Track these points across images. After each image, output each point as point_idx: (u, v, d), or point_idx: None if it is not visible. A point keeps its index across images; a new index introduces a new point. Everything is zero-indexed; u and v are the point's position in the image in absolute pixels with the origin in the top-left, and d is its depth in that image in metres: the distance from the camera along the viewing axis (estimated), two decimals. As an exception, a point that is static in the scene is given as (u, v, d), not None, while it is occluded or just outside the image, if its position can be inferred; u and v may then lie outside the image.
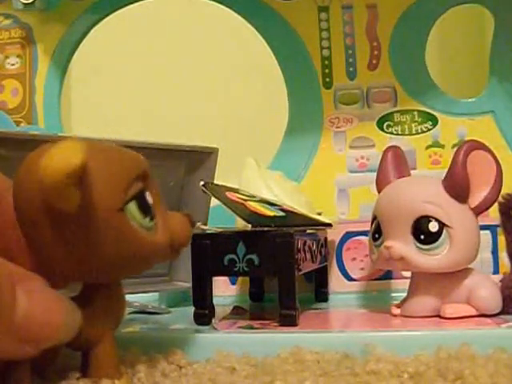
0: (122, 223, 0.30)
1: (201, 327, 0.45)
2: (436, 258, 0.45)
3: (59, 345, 0.30)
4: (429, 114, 0.60)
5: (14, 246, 0.30)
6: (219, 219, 0.51)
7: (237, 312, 0.51)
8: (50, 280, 0.29)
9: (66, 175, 0.27)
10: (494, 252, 0.57)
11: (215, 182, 0.50)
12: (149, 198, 0.33)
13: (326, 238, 0.55)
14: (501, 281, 0.48)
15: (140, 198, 0.32)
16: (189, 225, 0.35)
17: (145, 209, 0.32)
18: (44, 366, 0.32)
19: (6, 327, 0.25)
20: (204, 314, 0.45)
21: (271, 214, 0.47)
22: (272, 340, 0.40)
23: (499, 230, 0.54)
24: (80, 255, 0.30)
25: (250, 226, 0.52)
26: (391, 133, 0.60)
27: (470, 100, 0.60)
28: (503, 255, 0.54)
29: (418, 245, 0.45)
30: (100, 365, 0.33)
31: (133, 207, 0.31)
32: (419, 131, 0.60)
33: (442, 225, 0.45)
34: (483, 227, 0.51)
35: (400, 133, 0.60)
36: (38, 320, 0.26)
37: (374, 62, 0.60)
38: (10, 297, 0.25)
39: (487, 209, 0.46)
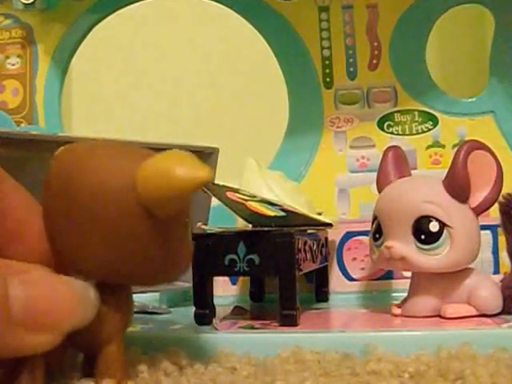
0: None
1: (201, 327, 0.45)
2: (436, 257, 0.45)
3: (65, 345, 0.29)
4: (429, 113, 0.60)
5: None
6: (219, 219, 0.51)
7: (237, 312, 0.51)
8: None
9: (196, 186, 0.28)
10: (495, 252, 0.57)
11: (215, 181, 0.50)
12: None
13: (326, 238, 0.55)
14: (501, 281, 0.48)
15: None
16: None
17: None
18: (50, 366, 0.31)
19: (5, 320, 0.25)
20: (204, 314, 0.45)
21: (272, 213, 0.47)
22: (272, 340, 0.40)
23: (500, 229, 0.54)
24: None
25: (250, 225, 0.52)
26: (392, 133, 0.60)
27: (470, 100, 0.60)
28: (504, 255, 0.54)
29: (419, 245, 0.45)
30: (107, 368, 0.32)
31: None
32: (420, 131, 0.60)
33: (442, 225, 0.45)
34: (484, 227, 0.51)
35: (400, 133, 0.60)
36: (40, 309, 0.26)
37: (375, 61, 0.60)
38: (0, 293, 0.25)
39: (488, 209, 0.46)
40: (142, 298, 0.53)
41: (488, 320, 0.44)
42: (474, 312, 0.45)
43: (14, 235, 0.30)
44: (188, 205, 0.31)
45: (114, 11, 0.63)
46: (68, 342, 0.30)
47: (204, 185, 0.28)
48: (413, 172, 0.53)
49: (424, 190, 0.46)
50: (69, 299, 0.27)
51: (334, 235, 0.59)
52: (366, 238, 0.55)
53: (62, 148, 0.31)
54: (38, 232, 0.30)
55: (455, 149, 0.47)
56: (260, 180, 0.53)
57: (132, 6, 0.63)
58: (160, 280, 0.33)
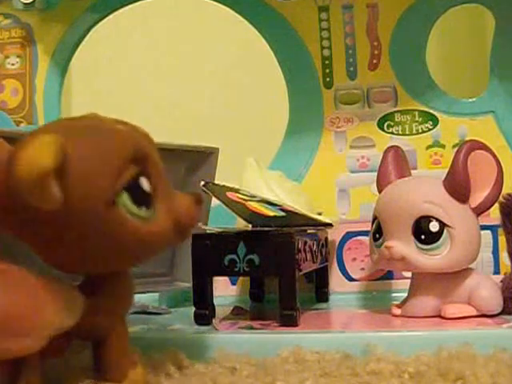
0: (114, 217, 0.28)
1: (201, 327, 0.44)
2: (437, 258, 0.45)
3: (67, 335, 0.29)
4: (429, 113, 0.60)
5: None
6: (220, 219, 0.51)
7: (237, 312, 0.51)
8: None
9: (38, 176, 0.25)
10: (495, 252, 0.57)
11: (216, 181, 0.50)
12: (145, 183, 0.30)
13: (326, 238, 0.55)
14: (501, 281, 0.48)
15: (133, 187, 0.29)
16: (194, 205, 0.32)
17: (139, 199, 0.29)
18: (53, 357, 0.31)
19: None
20: (204, 315, 0.45)
21: (272, 214, 0.47)
22: (272, 340, 0.40)
23: (500, 230, 0.54)
24: (73, 250, 0.29)
25: (250, 226, 0.52)
26: (392, 133, 0.60)
27: (470, 100, 0.60)
28: (504, 255, 0.54)
29: (419, 245, 0.45)
30: (112, 355, 0.32)
31: (125, 198, 0.29)
32: (420, 131, 0.60)
33: (442, 225, 0.45)
34: (484, 227, 0.51)
35: (400, 133, 0.60)
36: (18, 314, 0.25)
37: (375, 61, 0.60)
38: None
39: (488, 209, 0.46)
40: (142, 298, 0.53)
41: (488, 320, 0.44)
42: (474, 312, 0.45)
43: None
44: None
45: (114, 11, 0.63)
46: (71, 334, 0.30)
47: (49, 173, 0.25)
48: (413, 172, 0.53)
49: (424, 190, 0.46)
50: (50, 303, 0.27)
51: (334, 235, 0.58)
52: (366, 238, 0.55)
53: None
54: None
55: (455, 149, 0.47)
56: (260, 180, 0.53)
57: (131, 5, 0.63)
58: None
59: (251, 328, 0.44)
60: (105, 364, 0.32)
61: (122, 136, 0.30)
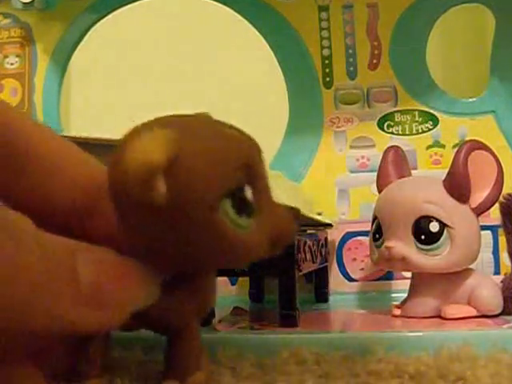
0: (215, 222, 0.27)
1: (201, 328, 0.44)
2: (437, 258, 0.45)
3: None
4: (429, 113, 0.60)
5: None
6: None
7: (237, 313, 0.51)
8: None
9: (149, 172, 0.25)
10: (495, 252, 0.57)
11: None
12: (249, 193, 0.28)
13: (326, 238, 0.55)
14: (502, 281, 0.48)
15: (237, 195, 0.28)
16: (293, 221, 0.32)
17: (241, 207, 0.28)
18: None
19: (73, 298, 0.25)
20: (204, 315, 0.45)
21: (271, 214, 0.47)
22: (272, 341, 0.40)
23: (500, 230, 0.54)
24: (167, 251, 0.28)
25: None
26: (392, 133, 0.60)
27: (470, 100, 0.60)
28: (504, 256, 0.54)
29: (419, 245, 0.45)
30: (180, 352, 0.32)
31: (227, 205, 0.27)
32: (420, 131, 0.60)
33: (442, 225, 0.45)
34: (484, 227, 0.51)
35: (401, 133, 0.60)
36: (106, 288, 0.26)
37: (375, 61, 0.60)
38: (69, 268, 0.25)
39: (488, 209, 0.46)
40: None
41: (488, 321, 0.44)
42: (474, 313, 0.45)
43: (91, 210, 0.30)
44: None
45: (113, 10, 0.63)
46: (142, 324, 0.30)
47: (159, 170, 0.25)
48: (413, 172, 0.53)
49: (424, 190, 0.46)
50: (133, 281, 0.27)
51: (334, 235, 0.58)
52: (365, 239, 0.55)
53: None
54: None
55: (455, 149, 0.47)
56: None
57: (130, 5, 0.63)
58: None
59: (251, 328, 0.44)
60: (170, 359, 0.32)
61: (236, 141, 0.29)
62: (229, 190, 0.27)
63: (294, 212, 0.32)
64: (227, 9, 0.63)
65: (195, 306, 0.32)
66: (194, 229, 0.27)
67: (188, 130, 0.27)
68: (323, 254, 0.54)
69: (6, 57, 0.64)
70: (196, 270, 0.31)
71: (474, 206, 0.46)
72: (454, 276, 0.46)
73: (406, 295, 0.48)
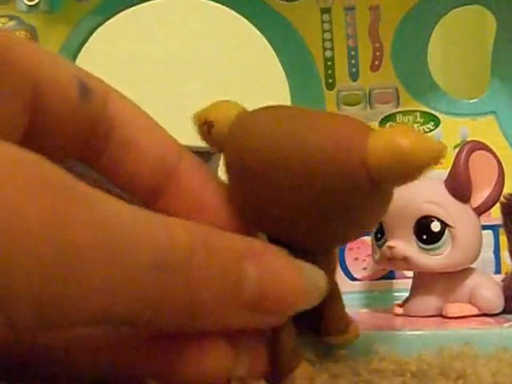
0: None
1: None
2: (438, 257, 0.45)
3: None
4: (431, 114, 0.60)
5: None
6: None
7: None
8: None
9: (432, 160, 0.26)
10: (496, 252, 0.57)
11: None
12: None
13: (328, 238, 0.55)
14: (503, 280, 0.48)
15: None
16: None
17: None
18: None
19: (236, 303, 0.25)
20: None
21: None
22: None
23: (501, 229, 0.55)
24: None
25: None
26: (393, 133, 0.60)
27: (471, 101, 0.60)
28: (505, 255, 0.54)
29: (421, 245, 0.45)
30: (336, 323, 0.33)
31: None
32: (421, 132, 0.60)
33: (444, 225, 0.45)
34: (485, 227, 0.51)
35: (402, 133, 0.60)
36: (270, 294, 0.26)
37: (377, 63, 0.61)
38: (236, 271, 0.25)
39: (489, 209, 0.47)
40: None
41: (490, 319, 0.45)
42: (475, 311, 0.45)
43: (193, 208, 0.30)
44: None
45: (117, 13, 0.63)
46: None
47: (440, 159, 0.26)
48: (414, 172, 0.53)
49: (425, 190, 0.46)
50: (298, 286, 0.27)
51: (336, 235, 0.59)
52: (367, 238, 0.55)
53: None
54: (220, 204, 0.30)
55: (457, 149, 0.47)
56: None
57: (135, 7, 0.63)
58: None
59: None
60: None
61: None
62: None
63: None
64: (229, 10, 0.63)
65: (332, 277, 0.31)
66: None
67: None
68: (326, 253, 0.54)
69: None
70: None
71: (475, 205, 0.46)
72: (456, 275, 0.46)
73: (407, 294, 0.48)
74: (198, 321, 0.25)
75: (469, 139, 0.57)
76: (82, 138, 0.30)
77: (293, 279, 0.27)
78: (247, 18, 0.63)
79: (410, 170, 0.26)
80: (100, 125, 0.30)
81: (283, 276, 0.26)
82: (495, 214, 0.50)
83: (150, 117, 0.33)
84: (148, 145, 0.31)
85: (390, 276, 0.58)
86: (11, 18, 0.64)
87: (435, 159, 0.26)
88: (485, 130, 0.59)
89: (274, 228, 0.29)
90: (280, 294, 0.26)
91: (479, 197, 0.46)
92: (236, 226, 0.30)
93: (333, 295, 0.32)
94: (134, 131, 0.31)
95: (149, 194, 0.31)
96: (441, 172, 0.53)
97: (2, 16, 0.64)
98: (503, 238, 0.54)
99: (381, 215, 0.30)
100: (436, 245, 0.45)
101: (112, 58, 0.91)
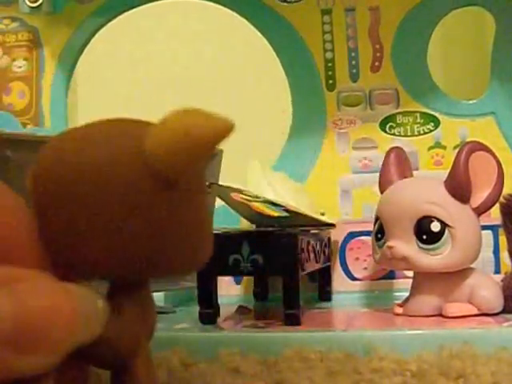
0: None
1: (206, 326, 0.45)
2: (438, 257, 0.46)
3: (85, 363, 0.26)
4: (431, 115, 0.60)
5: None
6: (224, 219, 0.52)
7: (241, 311, 0.52)
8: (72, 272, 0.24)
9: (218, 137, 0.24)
10: (496, 252, 0.57)
11: (220, 183, 0.51)
12: None
13: (329, 238, 0.56)
14: (502, 280, 0.48)
15: None
16: None
17: None
18: None
19: None
20: (209, 314, 0.46)
21: (275, 214, 0.47)
22: (276, 339, 0.41)
23: (500, 229, 0.55)
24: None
25: (254, 226, 0.52)
26: (394, 134, 0.60)
27: (471, 101, 0.60)
28: (504, 255, 0.54)
29: (421, 245, 0.46)
30: None
31: None
32: (421, 132, 0.60)
33: (444, 225, 0.45)
34: (485, 227, 0.51)
35: (402, 134, 0.60)
36: (32, 326, 0.21)
37: (377, 64, 0.61)
38: None
39: (489, 209, 0.47)
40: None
41: (489, 319, 0.45)
42: (475, 311, 0.46)
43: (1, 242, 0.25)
44: (203, 171, 0.27)
45: (119, 15, 0.64)
46: (86, 360, 0.25)
47: (224, 136, 0.23)
48: (415, 173, 0.53)
49: (426, 191, 0.47)
50: (68, 313, 0.22)
51: (337, 235, 0.59)
52: (368, 238, 0.55)
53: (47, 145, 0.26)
54: (28, 235, 0.25)
55: (456, 150, 0.47)
56: (264, 181, 0.53)
57: (136, 9, 0.64)
58: (179, 268, 0.27)
59: (255, 327, 0.45)
60: None
61: None
62: None
63: None
64: (230, 11, 0.63)
65: (143, 327, 0.27)
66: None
67: None
68: (326, 253, 0.54)
69: (13, 60, 0.64)
70: (133, 272, 0.26)
71: (474, 206, 0.46)
72: (455, 275, 0.46)
73: (408, 294, 0.49)
74: None
75: (468, 140, 0.57)
76: None
77: (60, 306, 0.22)
78: (248, 20, 0.63)
79: (187, 148, 0.24)
80: None
81: (49, 304, 0.22)
82: (495, 215, 0.50)
83: None
84: None
85: (390, 276, 0.58)
86: (14, 19, 0.65)
87: (215, 136, 0.24)
88: (484, 130, 0.59)
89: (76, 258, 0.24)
90: (45, 325, 0.21)
91: (479, 197, 0.46)
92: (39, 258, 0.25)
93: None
94: None
95: None
96: (441, 172, 0.53)
97: (5, 17, 0.65)
98: (503, 238, 0.54)
99: (194, 227, 0.26)
100: (436, 245, 0.45)
101: (114, 58, 0.91)
